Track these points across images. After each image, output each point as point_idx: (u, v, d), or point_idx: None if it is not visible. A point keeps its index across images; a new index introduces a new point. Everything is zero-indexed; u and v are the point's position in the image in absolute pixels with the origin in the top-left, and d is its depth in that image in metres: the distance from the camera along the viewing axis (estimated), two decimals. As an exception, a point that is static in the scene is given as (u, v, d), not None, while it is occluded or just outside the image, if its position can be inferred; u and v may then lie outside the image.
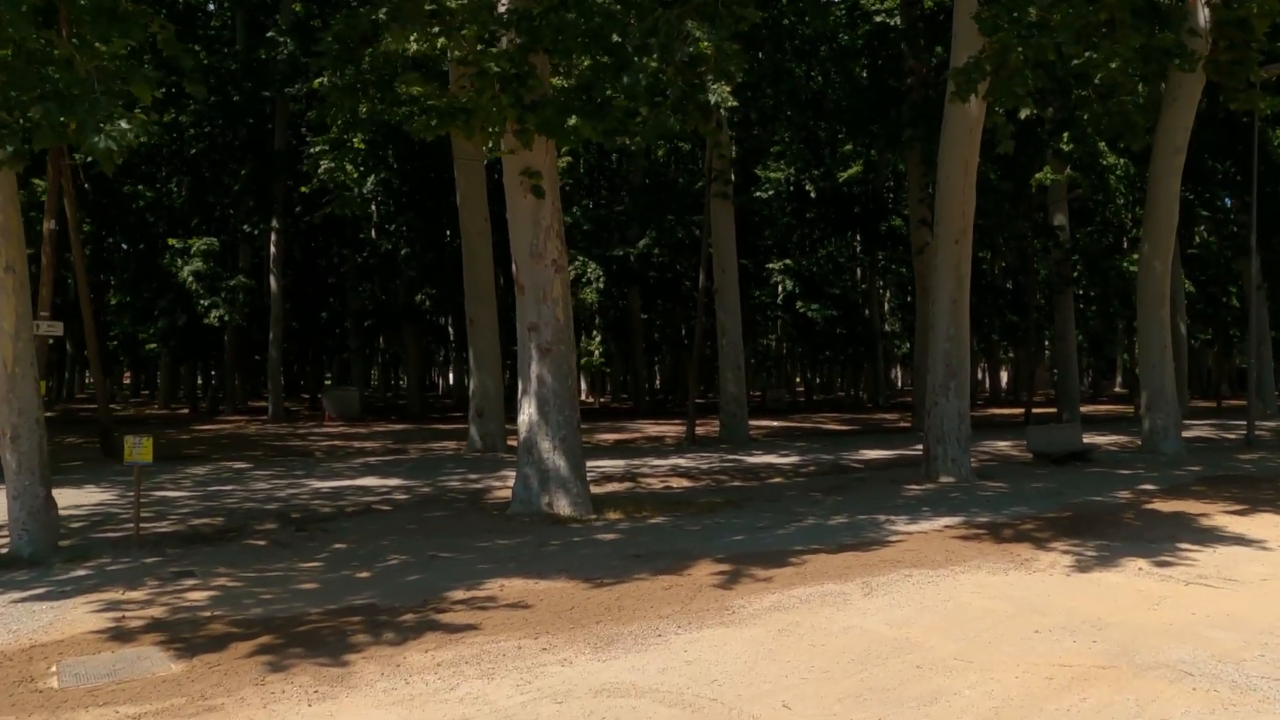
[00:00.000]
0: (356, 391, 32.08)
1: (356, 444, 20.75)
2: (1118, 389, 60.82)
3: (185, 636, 5.38)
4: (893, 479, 13.50)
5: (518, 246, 10.58)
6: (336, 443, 21.25)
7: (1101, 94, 13.73)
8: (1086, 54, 12.19)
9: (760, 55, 24.12)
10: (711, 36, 8.64)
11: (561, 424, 10.36)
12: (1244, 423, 24.21)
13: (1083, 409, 33.22)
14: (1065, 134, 21.18)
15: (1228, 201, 33.02)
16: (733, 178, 21.03)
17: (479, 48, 8.98)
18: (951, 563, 7.47)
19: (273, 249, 30.25)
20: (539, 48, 9.46)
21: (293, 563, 7.65)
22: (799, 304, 32.85)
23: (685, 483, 13.50)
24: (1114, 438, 21.75)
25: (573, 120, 9.45)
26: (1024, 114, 12.09)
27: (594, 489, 12.44)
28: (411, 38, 10.38)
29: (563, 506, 10.23)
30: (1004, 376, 59.22)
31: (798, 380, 72.22)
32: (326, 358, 45.71)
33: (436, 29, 9.49)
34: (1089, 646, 5.23)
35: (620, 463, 15.99)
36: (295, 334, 38.18)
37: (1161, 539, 8.49)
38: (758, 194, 31.00)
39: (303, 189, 21.42)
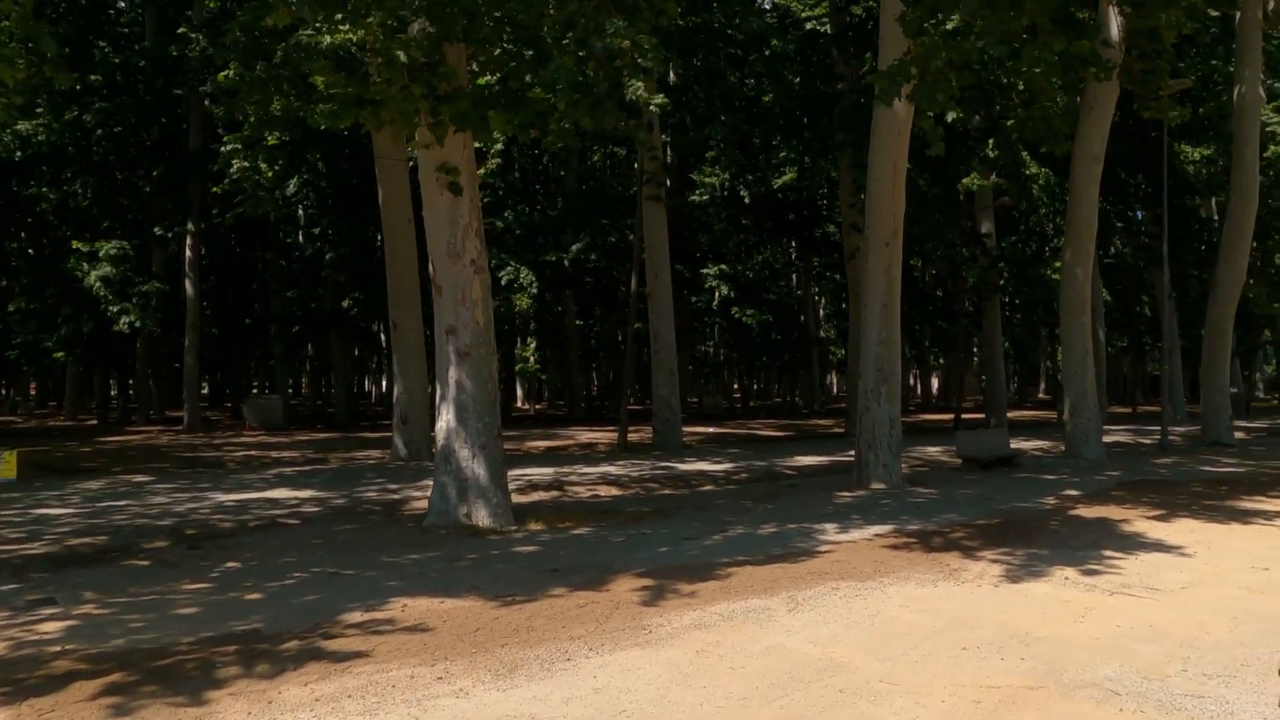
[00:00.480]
0: (280, 400, 30.97)
1: (274, 454, 19.87)
2: (1042, 395, 62.45)
3: (19, 677, 4.76)
4: (825, 486, 13.32)
5: (434, 246, 10.09)
6: (253, 453, 20.34)
7: (1025, 100, 13.83)
8: (1009, 61, 12.24)
9: (695, 60, 24.03)
10: (628, 30, 8.28)
11: (481, 431, 9.89)
12: (1158, 427, 24.88)
13: (1009, 414, 33.85)
14: (990, 141, 21.46)
15: (1139, 214, 34.06)
16: (666, 181, 20.75)
17: (387, 36, 8.47)
18: (880, 574, 7.22)
19: (188, 253, 29.03)
20: (452, 37, 9.00)
21: (175, 585, 7.03)
22: (734, 309, 32.82)
23: (614, 491, 13.11)
24: (1039, 442, 22.06)
25: (489, 114, 9.04)
26: (951, 117, 12.08)
27: (519, 498, 11.99)
28: (318, 26, 9.87)
29: (482, 517, 9.75)
30: (935, 382, 60.24)
31: (736, 386, 72.57)
32: (254, 365, 44.25)
33: (340, 15, 8.95)
34: (1017, 664, 4.99)
35: (549, 470, 15.53)
36: (216, 341, 36.79)
37: (1086, 546, 8.39)
38: (693, 198, 30.81)
39: (215, 189, 20.42)
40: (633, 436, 22.99)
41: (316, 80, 9.11)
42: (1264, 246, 27.84)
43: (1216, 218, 33.86)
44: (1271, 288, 27.76)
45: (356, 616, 6.05)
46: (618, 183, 36.16)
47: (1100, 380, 28.82)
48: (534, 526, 9.74)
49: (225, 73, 14.24)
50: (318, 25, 9.77)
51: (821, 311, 49.32)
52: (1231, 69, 27.13)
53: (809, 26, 26.55)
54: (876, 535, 9.03)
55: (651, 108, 17.66)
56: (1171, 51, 13.30)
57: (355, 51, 11.69)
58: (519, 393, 54.31)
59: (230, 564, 7.92)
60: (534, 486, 13.36)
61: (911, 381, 58.54)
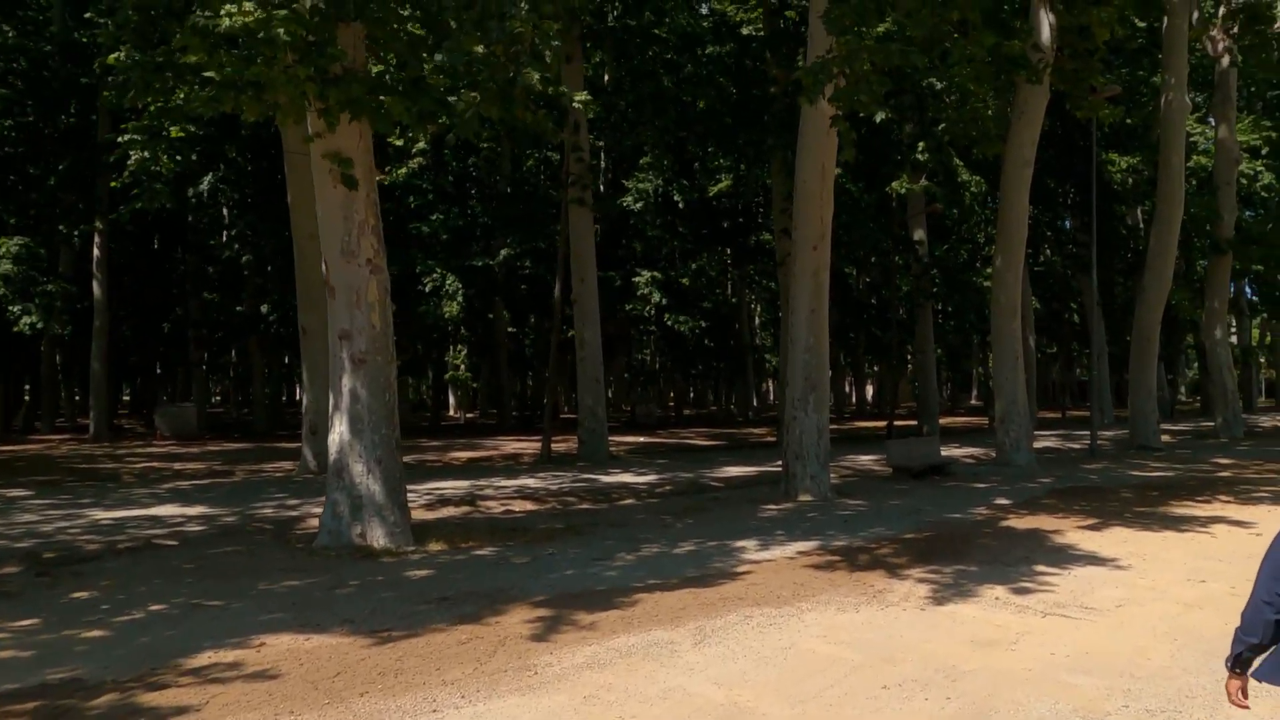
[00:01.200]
0: (193, 408, 29.50)
1: (178, 466, 18.68)
2: (974, 401, 63.34)
3: None
4: (751, 498, 12.79)
5: (327, 244, 9.30)
6: (155, 465, 19.10)
7: (956, 102, 13.57)
8: (939, 62, 11.93)
9: (632, 61, 23.50)
10: (529, 15, 7.64)
11: (377, 444, 9.11)
12: (1086, 432, 25.05)
13: (942, 421, 33.97)
14: (921, 144, 21.33)
15: (1067, 224, 34.60)
16: (591, 184, 20.12)
17: (265, 10, 7.64)
18: (799, 597, 6.66)
19: (96, 251, 27.46)
20: (344, 15, 8.24)
21: (2, 621, 6.14)
22: (667, 317, 32.30)
23: (529, 506, 12.39)
24: (970, 450, 21.94)
25: (385, 100, 8.31)
26: (880, 119, 11.67)
27: (425, 515, 11.23)
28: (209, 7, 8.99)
29: (377, 538, 8.97)
30: (869, 389, 60.70)
31: (672, 395, 72.19)
32: (178, 371, 42.20)
33: None
34: (942, 706, 4.44)
35: (465, 484, 14.74)
36: (130, 345, 34.97)
37: (1018, 561, 7.97)
38: (625, 203, 30.23)
39: (113, 183, 19.10)
40: (560, 447, 22.28)
41: (188, 59, 8.24)
42: (1187, 254, 28.37)
43: (1142, 226, 34.55)
44: (1195, 294, 28.27)
45: (202, 659, 5.26)
46: (552, 187, 35.42)
47: (1031, 386, 29.04)
48: (434, 547, 8.99)
49: (115, 55, 13.17)
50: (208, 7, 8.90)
51: (757, 320, 49.20)
52: (1157, 80, 27.68)
53: (744, 31, 26.26)
54: (799, 553, 8.50)
55: (575, 104, 16.95)
56: (1103, 49, 13.17)
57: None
58: (451, 401, 53.09)
59: (79, 594, 7.03)
60: (445, 501, 12.57)
61: (846, 389, 58.86)
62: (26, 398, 38.52)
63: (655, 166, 31.72)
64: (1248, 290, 42.16)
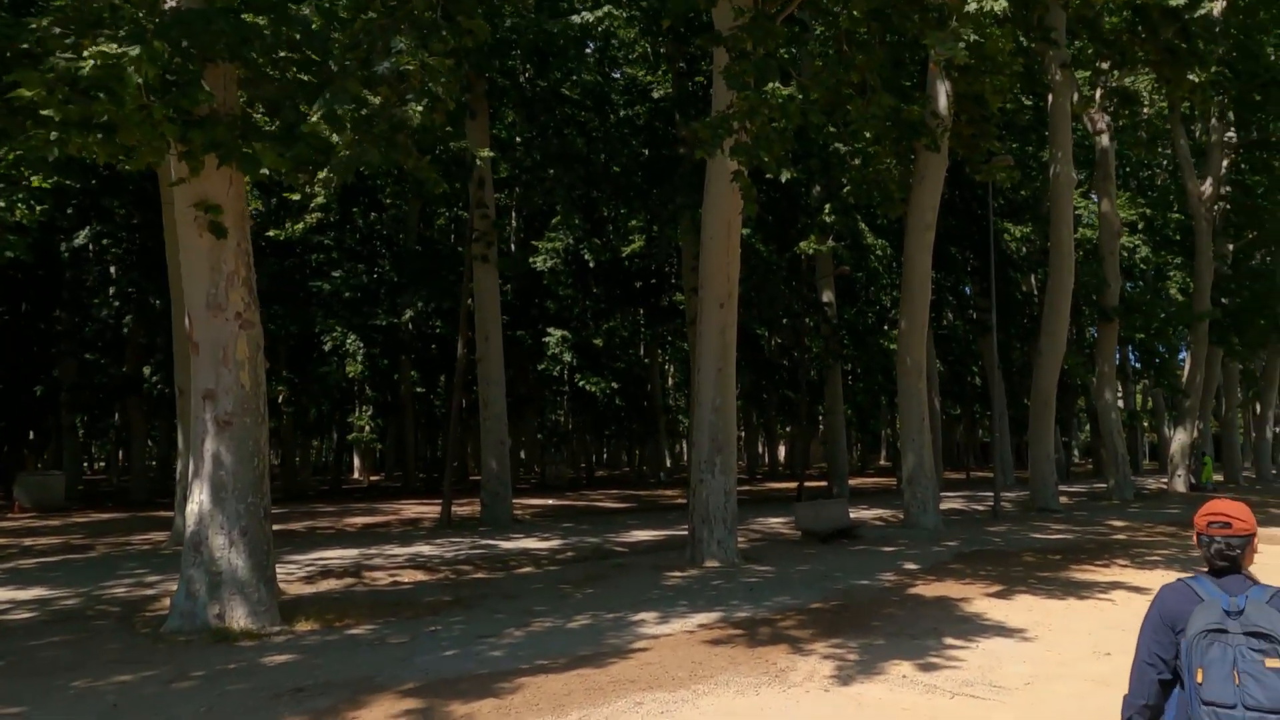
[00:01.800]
0: (60, 476, 27.36)
1: (29, 541, 17.02)
2: (883, 462, 64.40)
3: None
4: (656, 565, 12.24)
5: (191, 297, 8.55)
6: (2, 540, 17.40)
7: (860, 164, 13.70)
8: (839, 123, 12.01)
9: (538, 118, 23.33)
10: (416, 50, 7.22)
11: (242, 513, 8.29)
12: (989, 493, 25.42)
13: (852, 482, 34.14)
14: (827, 205, 21.67)
15: (968, 290, 35.77)
16: (496, 241, 19.68)
17: (121, 50, 6.98)
18: (696, 679, 6.14)
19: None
20: (214, 55, 7.68)
21: None
22: (578, 377, 31.83)
23: (420, 576, 11.58)
24: (879, 511, 21.92)
25: (256, 146, 7.72)
26: (785, 178, 11.62)
27: (304, 588, 10.35)
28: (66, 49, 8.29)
29: (238, 618, 8.09)
30: (781, 450, 61.09)
31: (586, 458, 71.35)
32: (53, 437, 39.45)
33: (59, 30, 7.39)
34: (845, 810, 3.97)
35: (354, 552, 13.79)
36: (-4, 409, 32.59)
37: (925, 633, 7.63)
38: (535, 263, 29.85)
39: (-38, 234, 17.72)
40: (464, 510, 21.39)
41: (21, 95, 7.47)
42: (1077, 321, 29.51)
43: (1036, 293, 35.90)
44: (1086, 359, 29.34)
45: (-13, 778, 4.42)
46: (461, 246, 34.86)
47: (937, 447, 29.47)
48: (303, 626, 8.16)
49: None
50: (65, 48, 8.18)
51: (670, 380, 49.15)
52: (1045, 155, 29.02)
53: (655, 94, 26.53)
54: (700, 626, 7.99)
55: (478, 160, 16.67)
56: (997, 115, 13.52)
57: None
58: (356, 464, 51.16)
59: None
60: (327, 573, 11.64)
61: (759, 449, 59.14)
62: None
63: (566, 225, 31.57)
64: (1131, 357, 44.26)
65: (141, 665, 6.85)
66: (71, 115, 7.21)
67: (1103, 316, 25.65)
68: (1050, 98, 21.71)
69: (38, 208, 14.88)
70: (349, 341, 27.13)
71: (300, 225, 21.39)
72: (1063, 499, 24.15)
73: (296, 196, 22.49)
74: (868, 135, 13.54)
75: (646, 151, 26.69)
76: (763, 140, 10.13)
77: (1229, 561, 2.50)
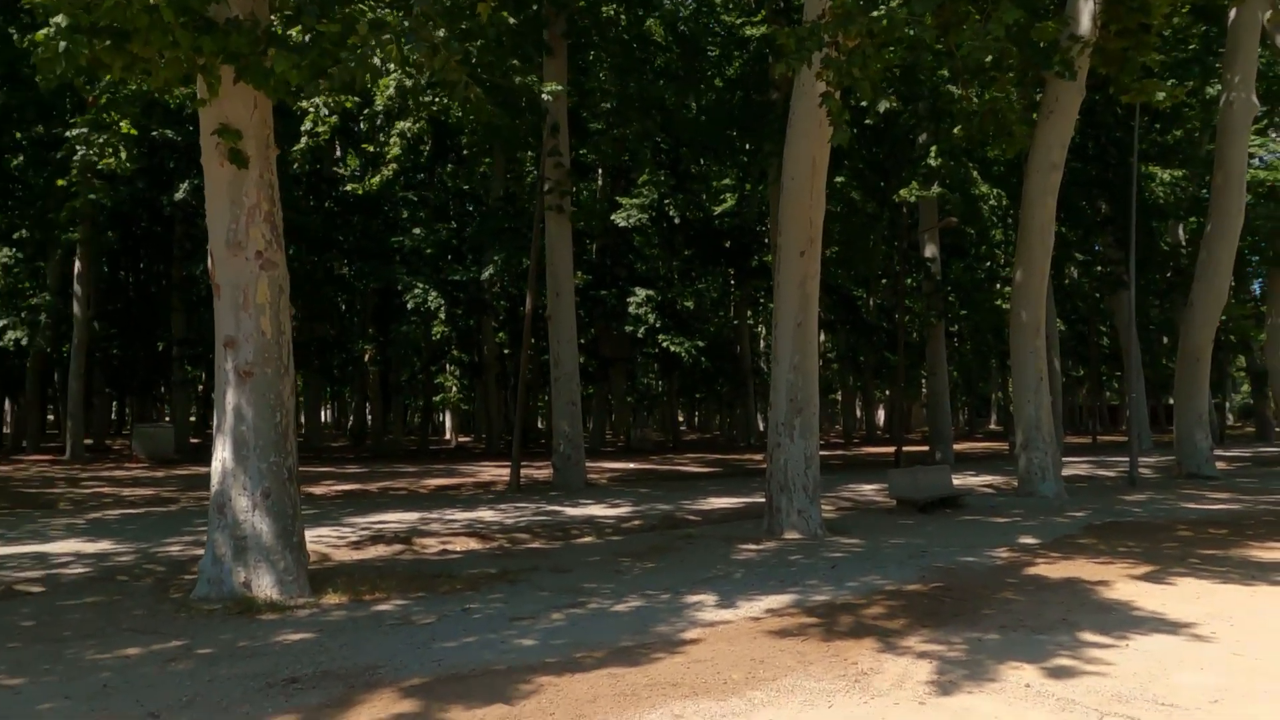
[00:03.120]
0: (171, 429, 28.03)
1: (129, 491, 17.15)
2: (992, 426, 61.38)
3: None
4: (729, 536, 11.15)
5: (214, 233, 7.81)
6: (105, 490, 17.61)
7: (974, 93, 12.03)
8: (949, 43, 10.42)
9: (619, 59, 22.10)
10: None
11: (265, 473, 7.57)
12: (1120, 459, 23.00)
13: (957, 447, 32.20)
14: (933, 148, 19.75)
15: (1097, 247, 32.82)
16: (570, 190, 18.64)
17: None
18: (754, 682, 5.04)
19: (77, 264, 26.16)
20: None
21: None
22: (662, 338, 30.73)
23: (472, 544, 10.80)
24: (988, 478, 20.22)
25: (273, 54, 6.84)
26: (883, 107, 10.15)
27: (348, 555, 9.71)
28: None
29: (264, 587, 7.41)
30: (880, 414, 58.92)
31: (679, 421, 70.67)
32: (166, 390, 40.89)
33: None
34: None
35: (413, 516, 13.16)
36: (120, 363, 33.69)
37: (1053, 625, 6.31)
38: (617, 219, 28.74)
39: (59, 182, 17.65)
40: (540, 474, 20.73)
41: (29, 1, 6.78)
42: (1239, 271, 26.53)
43: (1184, 244, 32.73)
44: (1251, 310, 26.32)
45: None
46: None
47: (1057, 410, 27.29)
48: (330, 599, 7.42)
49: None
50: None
51: (762, 343, 47.62)
52: (1210, 90, 25.86)
53: (749, 34, 24.90)
54: (769, 611, 6.87)
55: (545, 95, 15.57)
56: (1162, 20, 11.46)
57: None
58: (447, 424, 51.54)
59: None
60: (379, 538, 10.98)
61: (857, 414, 57.05)
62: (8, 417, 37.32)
63: (651, 180, 30.34)
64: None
65: (154, 637, 6.20)
66: (81, 19, 6.48)
67: (1277, 263, 22.70)
68: (1232, 13, 18.92)
69: (123, 155, 14.60)
70: (431, 298, 26.69)
71: (377, 179, 20.84)
72: (1220, 464, 21.41)
73: (371, 148, 21.98)
74: (987, 62, 11.84)
75: (738, 94, 25.15)
76: (857, 55, 8.72)
77: None
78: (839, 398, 53.06)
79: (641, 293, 29.98)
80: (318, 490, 17.30)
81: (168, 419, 38.52)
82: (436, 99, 17.74)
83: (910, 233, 25.92)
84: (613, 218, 28.53)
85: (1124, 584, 7.80)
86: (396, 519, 12.84)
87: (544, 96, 15.63)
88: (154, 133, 23.05)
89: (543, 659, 5.55)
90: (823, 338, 46.64)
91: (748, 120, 24.01)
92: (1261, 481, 18.99)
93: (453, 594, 7.71)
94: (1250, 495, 15.96)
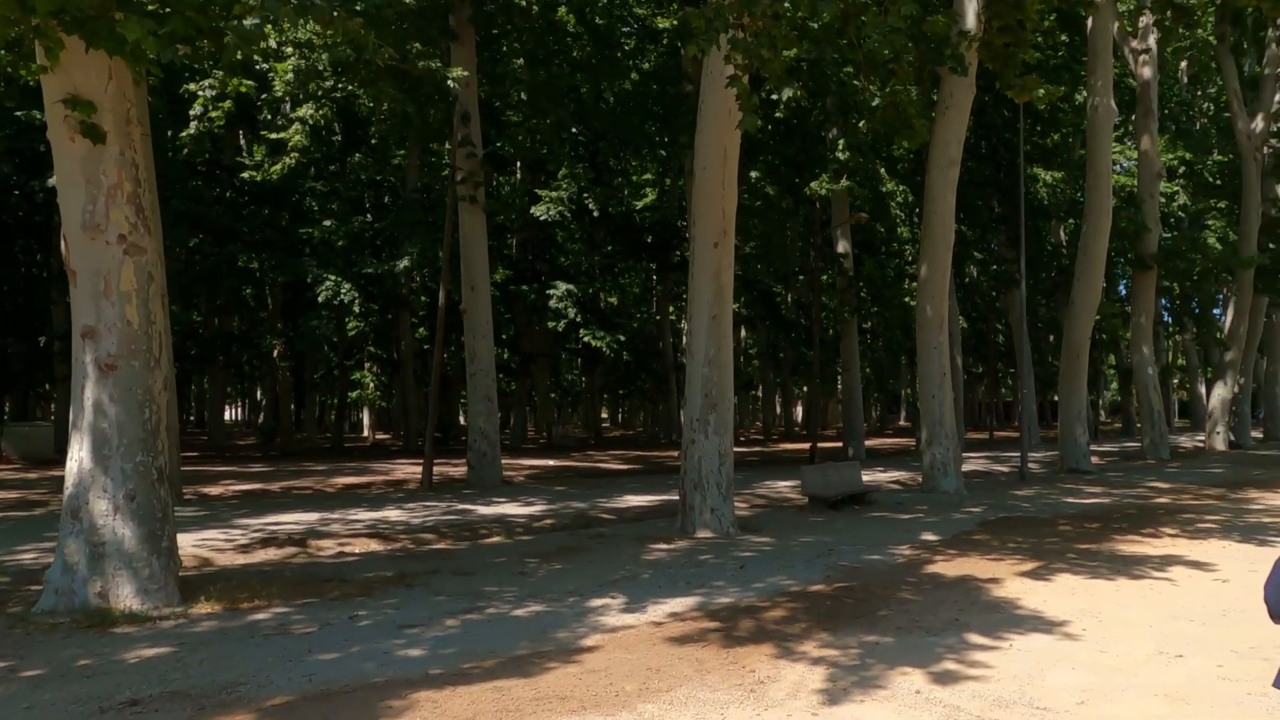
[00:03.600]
0: (49, 427, 26.41)
1: (-4, 495, 15.99)
2: (903, 422, 62.82)
3: None
4: (641, 535, 10.89)
5: (68, 215, 7.13)
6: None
7: (877, 88, 12.01)
8: (850, 32, 10.34)
9: (528, 47, 21.60)
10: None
11: (131, 474, 6.97)
12: (1014, 454, 23.88)
13: (869, 443, 32.70)
14: (841, 142, 19.93)
15: (992, 246, 33.82)
16: (484, 181, 18.13)
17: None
18: (647, 694, 4.76)
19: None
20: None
21: None
22: (583, 333, 30.35)
23: (373, 546, 10.29)
24: (896, 474, 20.48)
25: (119, 17, 6.24)
26: (788, 94, 10.02)
27: (233, 559, 9.12)
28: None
29: (124, 598, 6.82)
30: (799, 411, 59.66)
31: (602, 418, 70.33)
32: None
33: None
34: None
35: (313, 517, 12.53)
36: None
37: (945, 626, 6.21)
38: (537, 213, 28.23)
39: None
40: (453, 472, 20.17)
41: None
42: (1109, 274, 27.72)
43: (1065, 246, 33.95)
44: (1120, 310, 27.59)
45: None
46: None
47: (959, 406, 27.92)
48: (201, 609, 6.87)
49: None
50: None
51: (684, 338, 47.60)
52: (1078, 97, 26.93)
53: (661, 26, 24.71)
54: (672, 615, 6.61)
55: (450, 81, 15.04)
56: (1035, 19, 11.74)
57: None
58: (365, 421, 50.19)
59: None
60: (272, 541, 10.37)
61: (776, 410, 57.60)
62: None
63: (570, 173, 29.90)
64: (1163, 310, 42.19)
65: (-24, 660, 5.58)
66: None
67: (1140, 264, 23.85)
68: (1090, 22, 19.73)
69: None
70: (344, 291, 25.78)
71: (278, 167, 19.92)
72: (1093, 459, 22.65)
73: (271, 135, 21.07)
74: (886, 54, 11.86)
75: (654, 88, 24.93)
76: (764, 37, 8.53)
77: None
78: (759, 394, 53.51)
79: (562, 287, 29.56)
80: (214, 491, 16.44)
81: (54, 417, 36.52)
82: (340, 85, 17.05)
83: (824, 229, 26.11)
84: (532, 211, 28.02)
85: (1012, 581, 7.85)
86: (294, 520, 12.20)
87: (450, 83, 15.09)
88: (18, 113, 21.73)
89: (427, 671, 5.17)
90: (743, 334, 46.97)
91: (665, 113, 23.81)
92: (1126, 475, 19.96)
93: (342, 600, 7.24)
94: (1118, 490, 16.76)
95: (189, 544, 9.82)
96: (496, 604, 7.04)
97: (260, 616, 6.67)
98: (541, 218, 29.39)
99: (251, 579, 8.00)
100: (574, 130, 28.58)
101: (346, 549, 10.08)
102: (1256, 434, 35.54)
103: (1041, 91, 11.55)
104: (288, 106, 21.68)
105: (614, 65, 22.01)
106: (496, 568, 8.72)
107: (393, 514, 12.98)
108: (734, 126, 10.97)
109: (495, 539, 10.83)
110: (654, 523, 12.07)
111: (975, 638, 5.88)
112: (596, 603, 7.04)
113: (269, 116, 24.00)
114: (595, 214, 30.39)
